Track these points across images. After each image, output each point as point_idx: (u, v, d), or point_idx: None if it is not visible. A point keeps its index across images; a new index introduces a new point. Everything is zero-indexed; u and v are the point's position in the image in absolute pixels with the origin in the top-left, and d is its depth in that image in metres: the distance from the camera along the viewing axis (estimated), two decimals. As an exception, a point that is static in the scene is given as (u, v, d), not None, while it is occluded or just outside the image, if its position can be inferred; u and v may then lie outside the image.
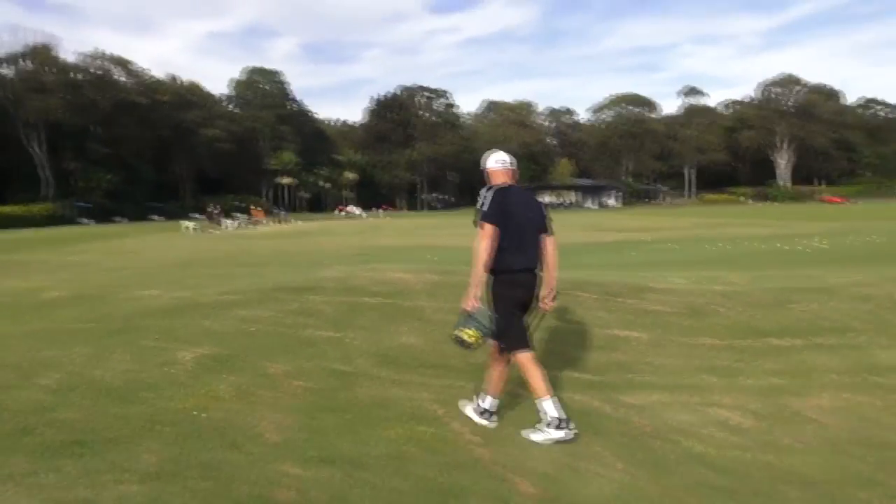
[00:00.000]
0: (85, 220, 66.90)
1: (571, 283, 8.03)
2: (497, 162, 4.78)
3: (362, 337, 6.52)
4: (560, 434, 4.28)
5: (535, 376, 4.48)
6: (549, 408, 4.37)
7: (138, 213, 73.26)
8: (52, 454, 3.97)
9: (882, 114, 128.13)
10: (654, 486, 3.59)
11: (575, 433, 4.31)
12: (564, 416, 4.34)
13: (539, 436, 4.35)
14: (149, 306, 8.57)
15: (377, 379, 5.60)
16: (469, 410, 4.81)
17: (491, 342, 4.60)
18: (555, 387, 5.36)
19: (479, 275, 4.40)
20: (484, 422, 4.65)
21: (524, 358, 4.54)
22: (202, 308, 7.88)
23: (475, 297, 4.39)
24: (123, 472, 3.70)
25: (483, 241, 4.38)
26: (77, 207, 69.35)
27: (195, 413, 4.71)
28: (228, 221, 52.82)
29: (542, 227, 4.66)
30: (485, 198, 4.51)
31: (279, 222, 56.46)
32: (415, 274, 8.47)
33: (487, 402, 4.72)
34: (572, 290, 7.69)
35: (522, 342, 4.60)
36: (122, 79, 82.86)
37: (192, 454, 3.98)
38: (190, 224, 47.28)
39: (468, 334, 4.43)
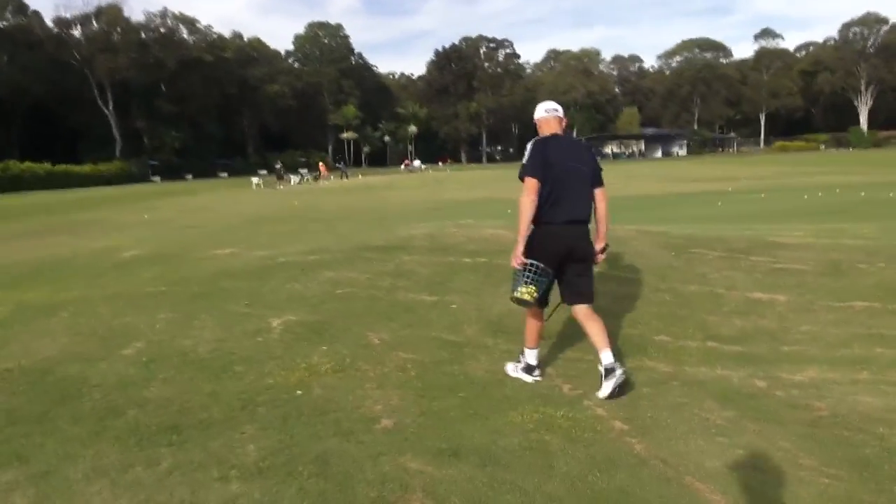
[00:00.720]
0: (155, 178, 68.14)
1: (690, 240, 7.27)
2: (545, 111, 4.56)
3: (465, 301, 5.92)
4: (528, 378, 4.48)
5: (532, 329, 4.50)
6: (529, 357, 4.52)
7: (206, 170, 74.13)
8: (145, 442, 3.52)
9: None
10: (876, 496, 2.88)
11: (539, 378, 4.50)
12: (535, 364, 4.53)
13: (511, 369, 4.59)
14: (229, 267, 8.15)
15: (489, 350, 5.01)
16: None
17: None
18: (694, 358, 4.70)
19: (523, 231, 4.23)
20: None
21: (530, 311, 4.47)
22: (287, 269, 7.41)
23: (520, 253, 4.21)
24: (226, 466, 3.20)
25: (525, 195, 4.21)
26: (149, 165, 70.63)
27: (295, 391, 4.19)
28: (293, 176, 52.92)
29: (592, 178, 4.40)
30: (527, 150, 4.33)
31: (342, 177, 56.20)
32: (511, 230, 7.81)
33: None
34: (694, 247, 6.93)
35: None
36: (188, 37, 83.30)
37: (298, 443, 3.46)
38: (256, 179, 47.48)
39: (523, 292, 4.23)
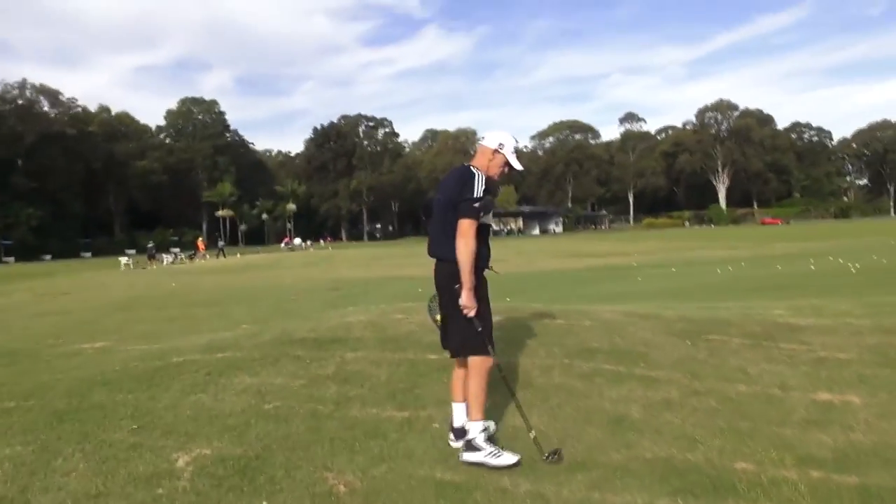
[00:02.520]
0: (8, 259, 62.17)
1: (692, 323, 6.05)
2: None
3: (443, 419, 4.35)
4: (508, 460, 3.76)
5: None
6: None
7: (68, 250, 68.67)
8: None
9: (809, 137, 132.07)
10: None
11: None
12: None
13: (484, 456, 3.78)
14: (104, 369, 6.18)
15: (509, 495, 3.45)
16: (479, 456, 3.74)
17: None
18: (806, 498, 3.33)
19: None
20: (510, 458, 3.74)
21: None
22: (186, 372, 5.57)
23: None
24: None
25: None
26: (1, 245, 64.50)
27: None
28: (165, 256, 49.65)
29: (446, 208, 3.91)
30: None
31: (218, 256, 53.09)
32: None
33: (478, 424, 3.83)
34: (705, 332, 5.69)
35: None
36: (49, 109, 78.31)
37: None
38: (124, 259, 43.97)
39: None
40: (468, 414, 3.87)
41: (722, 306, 8.11)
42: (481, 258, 3.87)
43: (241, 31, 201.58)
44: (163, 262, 47.51)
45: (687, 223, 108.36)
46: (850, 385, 4.66)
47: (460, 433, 3.96)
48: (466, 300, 3.76)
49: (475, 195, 3.76)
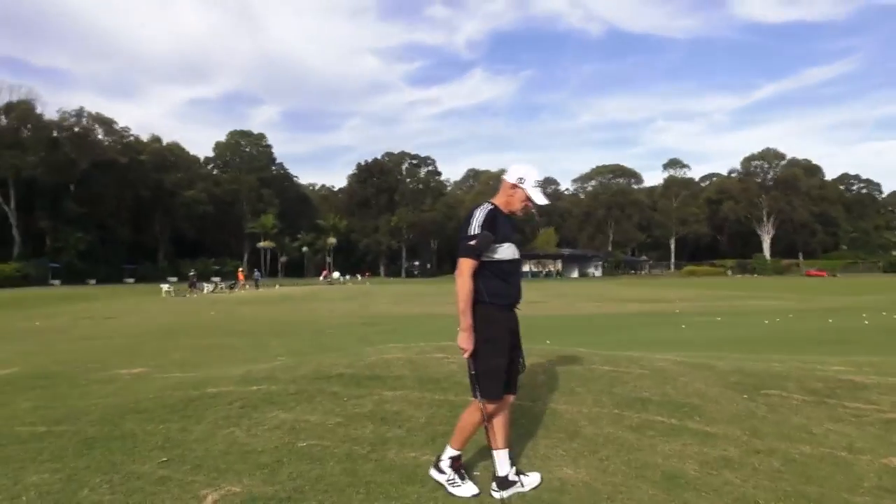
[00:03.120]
0: (55, 282, 63.46)
1: (748, 375, 5.73)
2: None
3: (484, 466, 4.11)
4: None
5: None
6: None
7: (112, 275, 69.78)
8: None
9: (857, 189, 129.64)
10: None
11: None
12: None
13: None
14: (138, 397, 6.07)
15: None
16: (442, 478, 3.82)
17: None
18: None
19: None
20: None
21: None
22: (219, 404, 5.42)
23: None
24: None
25: None
26: (49, 268, 65.89)
27: None
28: (206, 285, 50.19)
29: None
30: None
31: (255, 287, 53.49)
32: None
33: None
34: (763, 387, 5.37)
35: None
36: (103, 137, 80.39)
37: None
38: (166, 286, 44.53)
39: None
40: (451, 441, 3.90)
41: (775, 359, 7.73)
42: (504, 296, 3.79)
43: (291, 68, 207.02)
44: (203, 290, 48.00)
45: (729, 272, 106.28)
46: (926, 451, 4.31)
47: (503, 483, 3.77)
48: (461, 341, 3.70)
49: (471, 232, 3.70)
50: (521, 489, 3.78)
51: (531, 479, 3.86)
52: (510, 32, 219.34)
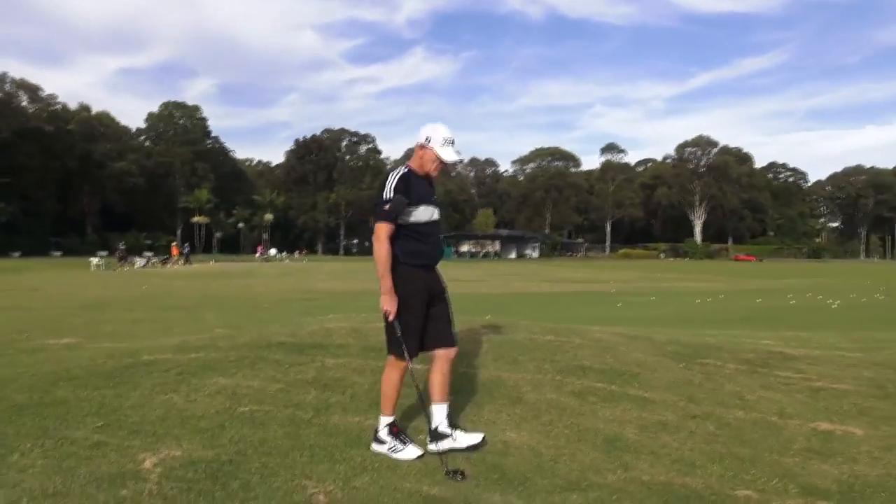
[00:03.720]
0: (-26, 254, 60.81)
1: (687, 347, 5.88)
2: None
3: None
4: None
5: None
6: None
7: (37, 248, 67.15)
8: None
9: (785, 177, 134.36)
10: None
11: None
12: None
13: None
14: (70, 365, 5.87)
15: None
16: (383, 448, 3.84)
17: None
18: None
19: None
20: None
21: None
22: (156, 371, 5.29)
23: None
24: None
25: None
26: (-33, 239, 63.09)
27: None
28: (138, 259, 48.77)
29: None
30: None
31: (184, 263, 52.02)
32: (462, 327, 6.12)
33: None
34: (699, 357, 5.52)
35: None
36: (27, 104, 77.01)
37: None
38: (95, 260, 43.13)
39: None
40: (381, 409, 3.94)
41: (708, 333, 7.98)
42: (420, 255, 3.87)
43: (228, 41, 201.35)
44: (135, 265, 46.69)
45: (662, 255, 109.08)
46: (851, 416, 4.51)
47: (435, 435, 3.88)
48: (383, 303, 3.78)
49: (384, 198, 3.76)
50: (453, 443, 3.83)
51: (468, 437, 3.91)
52: (452, 13, 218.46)
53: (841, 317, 13.77)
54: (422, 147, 3.92)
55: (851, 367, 5.58)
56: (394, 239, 3.78)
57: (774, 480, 3.62)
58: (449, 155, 3.89)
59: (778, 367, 5.41)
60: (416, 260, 3.85)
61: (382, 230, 3.74)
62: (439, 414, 3.93)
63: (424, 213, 3.85)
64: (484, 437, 3.96)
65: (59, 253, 68.68)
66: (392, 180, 3.79)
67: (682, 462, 3.80)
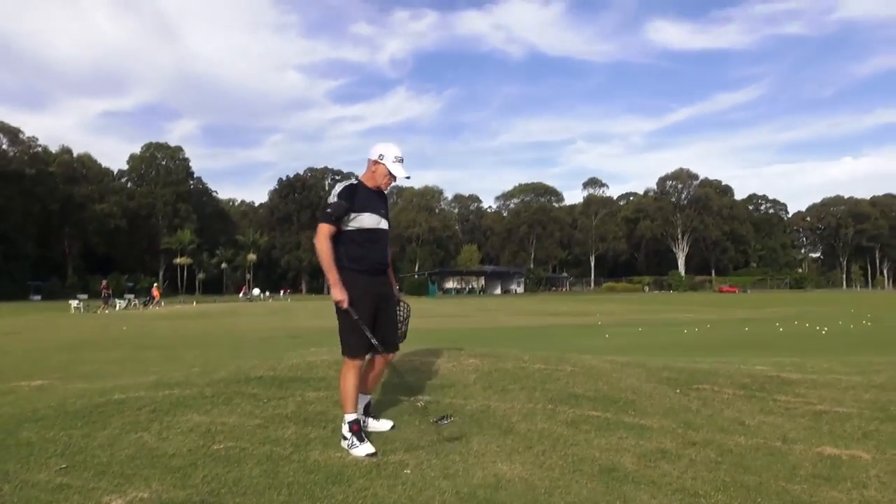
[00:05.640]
0: (-49, 299, 59.79)
1: (681, 373, 5.69)
2: None
3: (421, 462, 3.90)
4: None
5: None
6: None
7: (16, 292, 66.21)
8: None
9: (765, 208, 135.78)
10: None
11: None
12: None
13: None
14: (37, 406, 5.58)
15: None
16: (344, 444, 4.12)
17: None
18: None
19: None
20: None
21: None
22: (128, 410, 5.02)
23: None
24: None
25: None
26: (-57, 284, 62.14)
27: None
28: (119, 301, 48.15)
29: None
30: None
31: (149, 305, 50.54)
32: (449, 357, 5.90)
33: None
34: (695, 382, 5.33)
35: None
36: (7, 147, 76.58)
37: None
38: (75, 302, 42.51)
39: None
40: (343, 408, 4.20)
41: (700, 360, 7.79)
42: (362, 260, 4.20)
43: (211, 82, 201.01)
44: (116, 307, 46.05)
45: (646, 288, 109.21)
46: (855, 440, 4.32)
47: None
48: (334, 295, 4.12)
49: (329, 202, 4.21)
50: (365, 428, 4.27)
51: (379, 424, 4.44)
52: (434, 52, 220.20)
53: (832, 342, 13.66)
54: (375, 162, 4.25)
55: (851, 390, 5.40)
56: (338, 244, 4.15)
57: (783, 509, 3.41)
58: (399, 171, 4.25)
59: (777, 392, 5.22)
60: (359, 265, 4.18)
61: (322, 229, 4.14)
62: (360, 402, 4.27)
63: (369, 221, 4.20)
64: (393, 425, 4.45)
65: (38, 297, 67.77)
66: (338, 189, 4.22)
67: (685, 492, 3.58)
